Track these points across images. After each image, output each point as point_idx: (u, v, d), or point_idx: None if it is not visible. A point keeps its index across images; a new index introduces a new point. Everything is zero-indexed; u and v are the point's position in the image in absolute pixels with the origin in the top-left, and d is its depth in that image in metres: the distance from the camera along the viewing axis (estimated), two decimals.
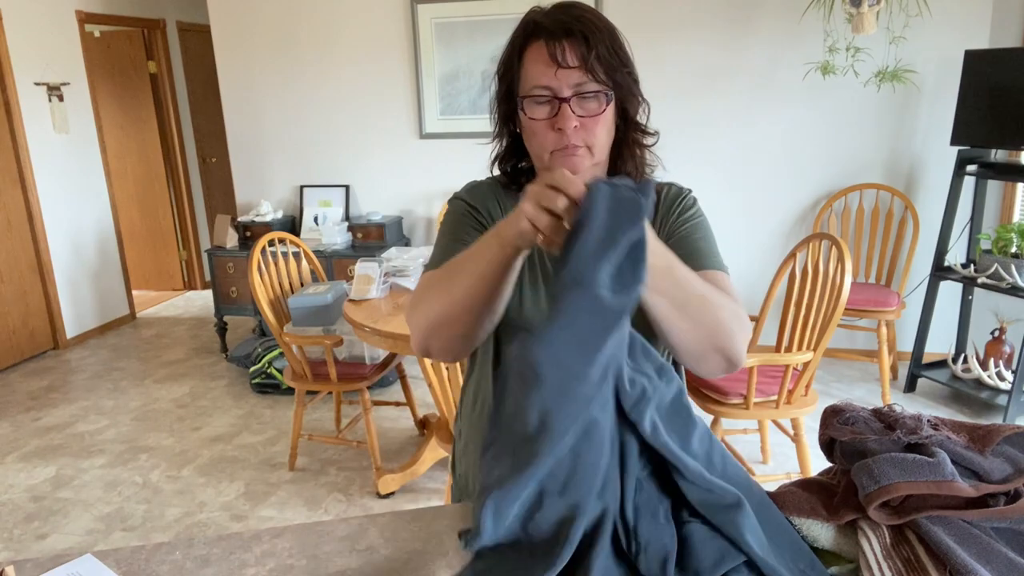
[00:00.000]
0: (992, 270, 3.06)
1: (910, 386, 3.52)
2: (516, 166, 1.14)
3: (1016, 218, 3.44)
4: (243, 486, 2.88)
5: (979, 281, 3.12)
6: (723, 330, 0.88)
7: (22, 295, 4.35)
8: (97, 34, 5.34)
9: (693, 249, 1.05)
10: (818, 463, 2.29)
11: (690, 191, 1.13)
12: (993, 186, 3.47)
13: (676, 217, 1.09)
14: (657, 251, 0.81)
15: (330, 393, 3.49)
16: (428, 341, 0.97)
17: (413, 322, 0.98)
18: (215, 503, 2.77)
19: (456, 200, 1.15)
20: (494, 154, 1.14)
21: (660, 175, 1.14)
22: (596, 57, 0.96)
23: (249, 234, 4.29)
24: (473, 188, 1.16)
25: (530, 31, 1.00)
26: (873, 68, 3.47)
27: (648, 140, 1.10)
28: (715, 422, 2.45)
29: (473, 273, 0.89)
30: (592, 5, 3.71)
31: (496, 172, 1.16)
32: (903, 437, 0.85)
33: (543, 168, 1.07)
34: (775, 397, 2.36)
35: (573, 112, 0.97)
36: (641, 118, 1.08)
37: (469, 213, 1.12)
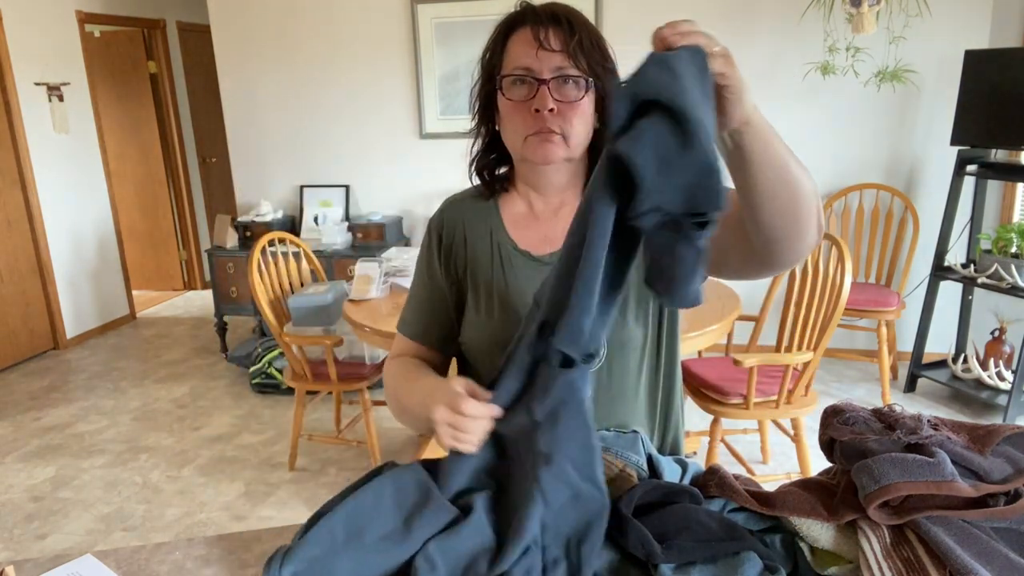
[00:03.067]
0: (992, 270, 3.06)
1: (910, 386, 3.52)
2: (493, 172, 1.14)
3: (1016, 218, 3.44)
4: (243, 486, 2.88)
5: (979, 281, 3.12)
6: (813, 193, 0.81)
7: (22, 295, 4.35)
8: (97, 34, 5.34)
9: None
10: (818, 463, 2.29)
11: None
12: (993, 186, 3.47)
13: None
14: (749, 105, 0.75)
15: (330, 393, 3.49)
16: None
17: (386, 397, 1.15)
18: (215, 503, 2.77)
19: (429, 226, 1.17)
20: (472, 155, 1.14)
21: None
22: (579, 44, 0.98)
23: (249, 234, 4.28)
24: (449, 207, 1.17)
25: (517, 18, 1.02)
26: (873, 68, 3.47)
27: None
28: (715, 422, 2.45)
29: (412, 417, 1.05)
30: (592, 6, 3.74)
31: (476, 180, 1.16)
32: (903, 437, 0.85)
33: (519, 160, 1.08)
34: (775, 397, 2.36)
35: (551, 95, 0.98)
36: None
37: (438, 247, 1.14)
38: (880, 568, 0.76)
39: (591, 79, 0.99)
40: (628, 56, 1.05)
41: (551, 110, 0.98)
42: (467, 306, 1.12)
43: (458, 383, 0.89)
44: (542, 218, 1.11)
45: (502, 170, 1.15)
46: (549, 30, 0.98)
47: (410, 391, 1.04)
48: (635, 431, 1.05)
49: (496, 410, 0.86)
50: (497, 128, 1.09)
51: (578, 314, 0.78)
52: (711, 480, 0.94)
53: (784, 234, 0.82)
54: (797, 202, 0.79)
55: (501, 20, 1.04)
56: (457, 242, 1.13)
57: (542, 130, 0.99)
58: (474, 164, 1.14)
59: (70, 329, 4.66)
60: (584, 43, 0.98)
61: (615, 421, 1.08)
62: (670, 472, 0.99)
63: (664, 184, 0.65)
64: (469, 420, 0.86)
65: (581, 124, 1.01)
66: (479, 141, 1.13)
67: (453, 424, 0.86)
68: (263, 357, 3.75)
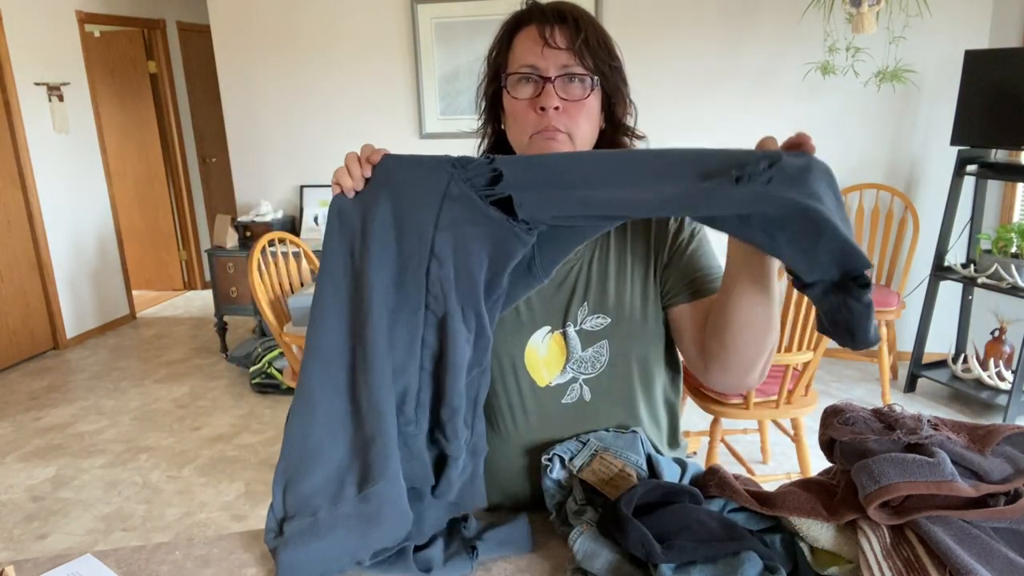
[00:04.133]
0: (992, 270, 3.06)
1: (910, 386, 3.52)
2: None
3: (1016, 218, 3.44)
4: (243, 486, 2.88)
5: (979, 281, 3.12)
6: (772, 350, 0.97)
7: (22, 295, 4.35)
8: (97, 34, 5.34)
9: (709, 263, 1.05)
10: (818, 463, 2.29)
11: None
12: (993, 186, 3.47)
13: (675, 232, 1.07)
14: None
15: None
16: None
17: None
18: (215, 503, 2.76)
19: None
20: (477, 153, 1.13)
21: None
22: (584, 42, 0.97)
23: (249, 234, 4.28)
24: None
25: (523, 16, 1.01)
26: (873, 68, 3.47)
27: (637, 145, 1.08)
28: (715, 422, 2.45)
29: None
30: (593, 8, 3.74)
31: None
32: (903, 437, 0.85)
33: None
34: (775, 397, 2.35)
35: (557, 94, 0.97)
36: (629, 121, 1.07)
37: None
38: (880, 568, 0.76)
39: (597, 78, 0.98)
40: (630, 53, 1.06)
41: (556, 108, 0.97)
42: None
43: None
44: None
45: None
46: (555, 28, 0.97)
47: None
48: (634, 431, 1.05)
49: (377, 155, 0.92)
50: (503, 127, 1.07)
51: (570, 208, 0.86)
52: (711, 480, 0.94)
53: (735, 353, 0.95)
54: (762, 342, 0.94)
55: (507, 18, 1.04)
56: None
57: (547, 129, 0.98)
58: None
59: (70, 329, 4.66)
60: (590, 41, 0.97)
61: (615, 422, 1.08)
62: (670, 472, 0.99)
63: (815, 264, 0.79)
64: (352, 159, 0.93)
65: (587, 123, 1.00)
66: (485, 141, 1.12)
67: (339, 171, 0.93)
68: (263, 357, 3.75)
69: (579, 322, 1.05)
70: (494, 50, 1.05)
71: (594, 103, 1.00)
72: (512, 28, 1.02)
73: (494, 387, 1.07)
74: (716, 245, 1.16)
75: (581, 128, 0.99)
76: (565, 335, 1.05)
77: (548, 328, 1.05)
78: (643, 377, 1.09)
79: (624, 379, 1.06)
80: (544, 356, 1.05)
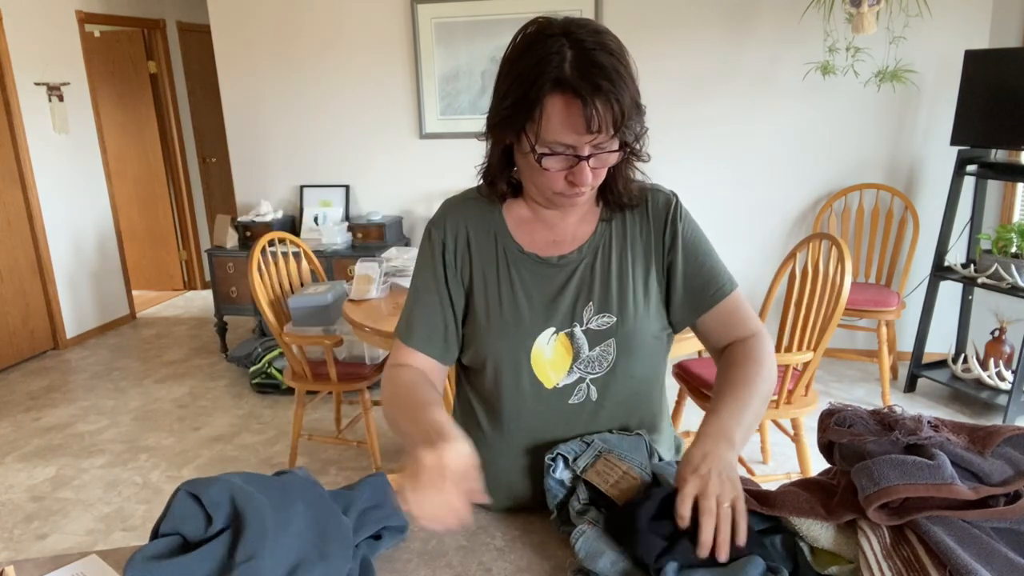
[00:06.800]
0: (992, 270, 3.06)
1: (910, 386, 3.52)
2: (504, 179, 1.09)
3: (1016, 218, 3.44)
4: None
5: (979, 281, 3.12)
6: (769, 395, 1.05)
7: (22, 295, 4.35)
8: (97, 34, 5.34)
9: (705, 274, 1.09)
10: (818, 463, 2.29)
11: (675, 195, 1.11)
12: (993, 186, 3.47)
13: (670, 228, 1.08)
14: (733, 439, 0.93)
15: (330, 393, 3.49)
16: None
17: (384, 408, 1.07)
18: None
19: (428, 233, 1.12)
20: (482, 167, 1.09)
21: (642, 177, 1.10)
22: (623, 116, 0.90)
23: (249, 234, 4.28)
24: (447, 211, 1.12)
25: (557, 78, 0.89)
26: (873, 68, 3.47)
27: (640, 164, 1.08)
28: None
29: (407, 442, 0.95)
30: (593, 8, 3.74)
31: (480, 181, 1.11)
32: (901, 438, 0.85)
33: (540, 197, 1.05)
34: (775, 397, 2.36)
35: (589, 166, 0.95)
36: (640, 143, 1.04)
37: (440, 252, 1.10)
38: (880, 568, 0.76)
39: (628, 143, 0.96)
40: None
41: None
42: (474, 314, 1.09)
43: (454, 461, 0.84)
44: (549, 221, 1.09)
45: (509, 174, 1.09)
46: (597, 107, 0.89)
47: (411, 420, 0.97)
48: (638, 433, 1.05)
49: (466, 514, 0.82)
50: (510, 143, 1.01)
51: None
52: None
53: None
54: None
55: (534, 60, 0.91)
56: (461, 248, 1.10)
57: (575, 194, 0.99)
58: (484, 171, 1.09)
59: (70, 329, 4.66)
60: (627, 112, 0.91)
61: (619, 422, 1.08)
62: (672, 473, 0.99)
63: None
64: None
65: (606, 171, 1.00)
66: (492, 156, 1.07)
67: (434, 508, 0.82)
68: (263, 357, 3.75)
69: (585, 322, 1.05)
70: (521, 94, 0.93)
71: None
72: (545, 86, 0.90)
73: (498, 389, 1.07)
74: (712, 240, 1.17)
75: (601, 179, 1.00)
76: (571, 335, 1.05)
77: (553, 329, 1.05)
78: (647, 377, 1.09)
79: (629, 378, 1.07)
80: (550, 358, 1.05)
